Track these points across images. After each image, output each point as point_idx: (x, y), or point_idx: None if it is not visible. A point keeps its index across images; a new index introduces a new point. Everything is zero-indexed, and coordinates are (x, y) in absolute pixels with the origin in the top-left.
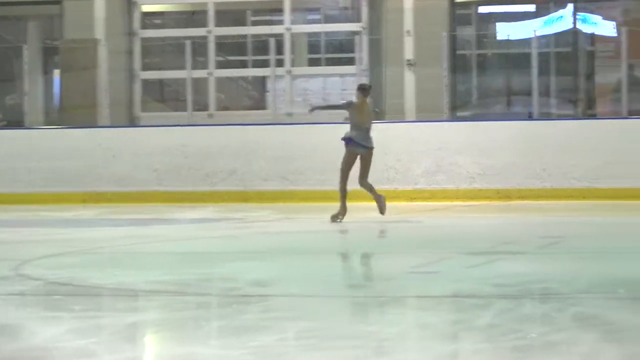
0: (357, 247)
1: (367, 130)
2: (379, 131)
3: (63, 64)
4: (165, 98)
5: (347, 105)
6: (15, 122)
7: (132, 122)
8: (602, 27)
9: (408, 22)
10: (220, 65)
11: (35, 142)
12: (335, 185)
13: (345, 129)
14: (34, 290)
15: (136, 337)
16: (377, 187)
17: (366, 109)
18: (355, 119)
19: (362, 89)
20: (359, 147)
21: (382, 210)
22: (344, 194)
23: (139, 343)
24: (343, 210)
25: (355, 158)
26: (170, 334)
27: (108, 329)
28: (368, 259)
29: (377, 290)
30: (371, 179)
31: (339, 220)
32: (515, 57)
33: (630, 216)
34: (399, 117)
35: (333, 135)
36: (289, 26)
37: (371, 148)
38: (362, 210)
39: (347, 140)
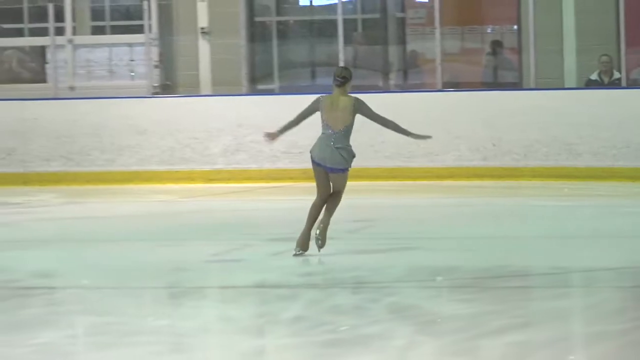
0: (150, 234)
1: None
2: (171, 106)
3: None
4: None
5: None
6: None
7: None
8: None
9: None
10: None
11: None
12: (124, 166)
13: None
14: None
15: None
16: (171, 167)
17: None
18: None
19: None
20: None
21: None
22: None
23: None
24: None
25: None
26: None
27: None
28: (163, 246)
29: (173, 280)
30: (163, 158)
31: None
32: (319, 24)
33: (450, 198)
34: (194, 90)
35: (121, 112)
36: None
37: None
38: (151, 192)
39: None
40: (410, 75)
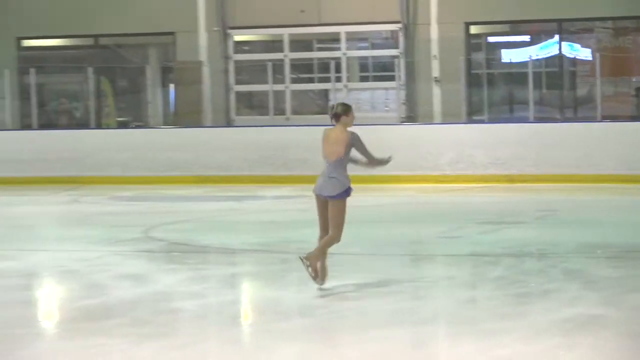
0: (397, 218)
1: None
2: (413, 131)
3: (176, 80)
4: (253, 105)
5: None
6: (142, 123)
7: (229, 124)
8: (581, 52)
9: (434, 49)
10: (294, 81)
11: (156, 137)
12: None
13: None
14: (158, 249)
15: (236, 284)
16: (413, 172)
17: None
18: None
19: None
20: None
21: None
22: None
23: (238, 289)
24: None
25: None
26: (261, 282)
27: (214, 278)
28: (406, 227)
29: (413, 249)
30: (407, 166)
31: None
32: (515, 75)
33: (606, 196)
34: (429, 120)
35: (379, 135)
36: (345, 51)
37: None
38: (399, 189)
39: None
40: (579, 111)
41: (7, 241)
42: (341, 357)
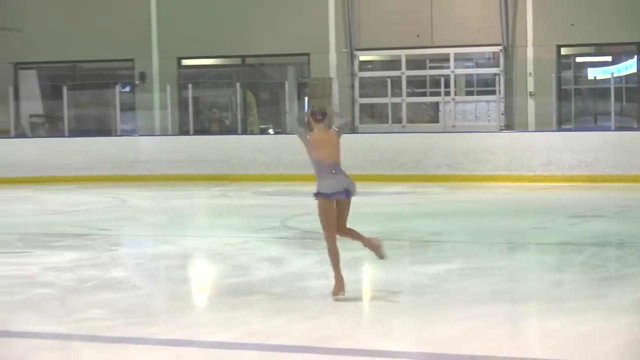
0: (495, 212)
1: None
2: (511, 137)
3: (310, 93)
4: (375, 115)
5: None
6: (280, 130)
7: (354, 131)
8: None
9: (530, 67)
10: (409, 94)
11: (292, 142)
12: (482, 171)
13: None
14: (293, 236)
15: (357, 266)
16: (508, 172)
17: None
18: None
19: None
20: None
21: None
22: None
23: (359, 270)
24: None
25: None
26: (379, 264)
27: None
28: (503, 219)
29: (509, 238)
30: (504, 167)
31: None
32: (599, 90)
33: None
34: (524, 128)
35: (481, 140)
36: (453, 69)
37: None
38: (497, 187)
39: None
40: None
41: (167, 228)
42: (447, 329)
